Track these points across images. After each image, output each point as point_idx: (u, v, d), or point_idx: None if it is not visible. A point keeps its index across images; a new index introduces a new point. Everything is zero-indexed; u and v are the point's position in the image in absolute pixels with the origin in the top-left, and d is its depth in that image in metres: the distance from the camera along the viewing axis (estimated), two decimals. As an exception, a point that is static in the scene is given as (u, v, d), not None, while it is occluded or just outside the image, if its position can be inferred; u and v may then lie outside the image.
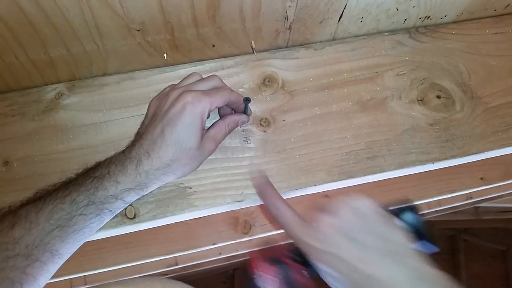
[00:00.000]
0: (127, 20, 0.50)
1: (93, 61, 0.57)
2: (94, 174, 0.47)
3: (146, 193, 0.49)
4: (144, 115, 0.55)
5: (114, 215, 0.48)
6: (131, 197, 0.48)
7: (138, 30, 0.53)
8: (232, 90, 0.55)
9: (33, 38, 0.50)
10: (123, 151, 0.49)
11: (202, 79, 0.54)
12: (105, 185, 0.46)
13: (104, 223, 0.48)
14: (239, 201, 0.56)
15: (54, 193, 0.46)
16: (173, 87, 0.53)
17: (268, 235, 0.91)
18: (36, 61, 0.54)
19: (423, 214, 1.24)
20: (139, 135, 0.50)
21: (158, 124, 0.48)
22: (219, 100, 0.51)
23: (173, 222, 0.57)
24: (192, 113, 0.48)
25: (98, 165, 0.48)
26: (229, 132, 0.56)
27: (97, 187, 0.46)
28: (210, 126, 0.54)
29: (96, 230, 0.48)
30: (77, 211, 0.45)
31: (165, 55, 0.59)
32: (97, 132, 0.58)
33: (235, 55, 0.63)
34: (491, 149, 0.61)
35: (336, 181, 0.58)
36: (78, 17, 0.48)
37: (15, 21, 0.47)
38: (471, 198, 1.09)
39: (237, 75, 0.62)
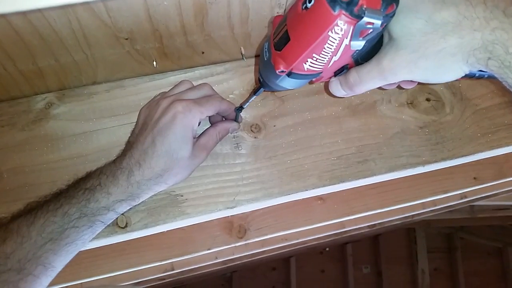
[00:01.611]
0: (115, 30, 0.50)
1: (82, 70, 0.57)
2: (85, 185, 0.47)
3: (138, 203, 0.49)
4: (135, 123, 0.55)
5: (106, 225, 0.48)
6: (123, 208, 0.48)
7: (126, 39, 0.53)
8: (222, 99, 0.55)
9: (21, 49, 0.50)
10: (114, 161, 0.49)
11: (192, 88, 0.54)
12: (96, 197, 0.46)
13: (96, 233, 0.48)
14: (231, 208, 0.56)
15: (45, 205, 0.46)
16: (163, 95, 0.53)
17: (263, 239, 0.91)
18: (25, 72, 0.54)
19: (418, 214, 1.24)
20: (130, 145, 0.50)
21: (148, 134, 0.48)
22: (209, 109, 0.51)
23: (165, 230, 0.57)
24: (183, 123, 0.48)
25: (89, 176, 0.48)
26: (220, 139, 0.56)
27: (89, 199, 0.46)
28: (201, 134, 0.54)
29: (88, 241, 0.48)
30: (69, 224, 0.45)
31: (154, 63, 0.59)
32: (87, 141, 0.58)
33: (225, 62, 0.63)
34: (481, 151, 0.61)
35: (328, 185, 0.58)
36: (66, 28, 0.48)
37: (2, 32, 0.47)
38: (465, 197, 1.09)
39: (227, 82, 0.62)
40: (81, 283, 0.85)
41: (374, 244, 3.04)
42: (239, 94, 0.61)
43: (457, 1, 0.36)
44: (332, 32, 0.37)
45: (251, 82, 0.62)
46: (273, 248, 1.09)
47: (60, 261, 0.47)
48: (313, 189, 0.58)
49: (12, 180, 0.56)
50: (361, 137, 0.60)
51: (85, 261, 0.81)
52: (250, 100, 0.55)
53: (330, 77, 0.48)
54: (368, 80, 0.43)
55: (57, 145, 0.57)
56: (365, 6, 0.35)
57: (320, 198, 0.90)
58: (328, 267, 3.04)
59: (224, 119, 0.58)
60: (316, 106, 0.61)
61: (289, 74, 0.44)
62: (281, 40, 0.42)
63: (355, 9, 0.35)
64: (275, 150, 0.59)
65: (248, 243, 0.90)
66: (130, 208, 0.50)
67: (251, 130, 0.60)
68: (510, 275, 2.91)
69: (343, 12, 0.35)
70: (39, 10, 0.44)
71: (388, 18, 0.37)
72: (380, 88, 0.46)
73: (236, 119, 0.57)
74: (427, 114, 0.62)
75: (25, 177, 0.56)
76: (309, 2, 0.37)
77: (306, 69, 0.43)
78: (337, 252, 3.04)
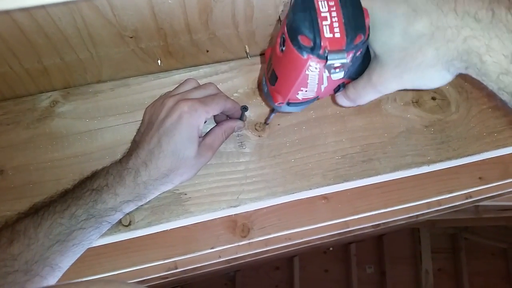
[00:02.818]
0: (120, 28, 0.50)
1: (87, 68, 0.57)
2: (92, 186, 0.47)
3: (144, 202, 0.50)
4: (139, 121, 0.55)
5: (112, 225, 0.49)
6: (130, 208, 0.48)
7: (131, 37, 0.53)
8: (227, 97, 0.55)
9: (26, 47, 0.50)
10: (120, 161, 0.49)
11: (197, 87, 0.54)
12: (103, 198, 0.46)
13: (102, 233, 0.49)
14: (235, 206, 0.56)
15: (52, 206, 0.46)
16: (168, 94, 0.53)
17: (267, 238, 0.91)
18: (30, 70, 0.54)
19: (423, 214, 1.23)
20: (136, 144, 0.50)
21: (154, 133, 0.48)
22: (215, 108, 0.51)
23: (169, 228, 0.57)
24: (189, 122, 0.48)
25: (96, 176, 0.48)
26: (226, 138, 0.56)
27: (96, 200, 0.46)
28: (207, 134, 0.54)
29: (95, 241, 0.49)
30: (77, 225, 0.45)
31: (159, 61, 0.59)
32: (92, 139, 0.58)
33: (229, 60, 0.63)
34: (487, 150, 0.61)
35: (332, 184, 0.58)
36: (71, 26, 0.48)
37: (7, 31, 0.47)
38: (470, 197, 1.08)
39: (232, 80, 0.62)
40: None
41: (378, 244, 3.03)
42: (243, 92, 0.61)
43: (429, 9, 0.36)
44: (309, 71, 0.39)
45: (255, 81, 0.62)
46: (276, 248, 1.09)
47: (67, 262, 0.47)
48: (317, 188, 0.58)
49: (16, 178, 0.56)
50: (366, 136, 0.60)
51: (88, 259, 0.80)
52: (270, 117, 0.56)
53: (331, 93, 0.49)
54: (365, 94, 0.45)
55: (62, 143, 0.58)
56: (328, 49, 0.36)
57: (324, 197, 0.89)
58: (332, 267, 3.04)
59: (228, 117, 0.58)
60: (320, 105, 0.61)
61: (288, 104, 0.47)
62: (272, 77, 0.45)
63: (320, 52, 0.37)
64: (279, 149, 0.59)
65: (252, 242, 0.89)
66: (136, 208, 0.50)
67: (255, 129, 0.60)
68: (515, 276, 2.90)
69: (311, 56, 0.37)
70: (44, 8, 0.44)
71: (360, 46, 0.38)
72: None
73: (241, 118, 0.57)
74: (433, 113, 0.62)
75: (29, 175, 0.56)
76: (283, 46, 0.39)
77: (301, 98, 0.45)
78: (341, 252, 3.03)
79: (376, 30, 0.40)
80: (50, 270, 0.45)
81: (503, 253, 2.99)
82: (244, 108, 0.56)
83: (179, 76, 0.61)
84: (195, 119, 0.48)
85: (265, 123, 0.59)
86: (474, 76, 0.36)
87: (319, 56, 0.37)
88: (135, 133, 0.57)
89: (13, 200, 0.55)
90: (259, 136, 0.59)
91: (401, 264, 2.99)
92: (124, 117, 0.59)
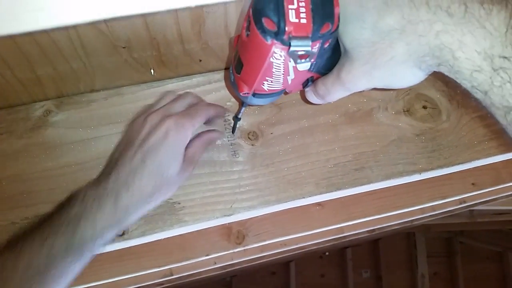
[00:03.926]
0: (113, 38, 0.51)
1: (80, 78, 0.57)
2: (69, 214, 0.43)
3: (126, 227, 0.47)
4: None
5: (94, 255, 0.46)
6: (111, 234, 0.45)
7: (124, 48, 0.53)
8: (209, 104, 0.54)
9: (19, 57, 0.50)
10: (98, 181, 0.46)
11: (177, 98, 0.52)
12: (82, 227, 0.43)
13: (86, 263, 0.45)
14: (228, 215, 0.56)
15: (31, 237, 0.43)
16: (149, 110, 0.51)
17: (262, 245, 0.91)
18: (23, 80, 0.55)
19: (417, 219, 1.24)
20: (114, 162, 0.47)
21: (137, 151, 0.46)
22: (200, 119, 0.50)
23: (162, 238, 0.57)
24: (176, 140, 0.46)
25: (73, 201, 0.45)
26: (204, 150, 0.55)
27: (75, 230, 0.42)
28: (187, 146, 0.51)
29: (78, 273, 0.45)
30: (57, 257, 0.42)
31: (152, 70, 0.59)
32: (85, 149, 0.58)
33: (222, 69, 0.63)
34: (478, 158, 0.62)
35: (324, 193, 0.58)
36: (64, 36, 0.48)
37: (0, 42, 0.47)
38: (464, 202, 1.09)
39: (225, 89, 0.62)
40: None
41: (374, 249, 3.04)
42: (235, 102, 0.61)
43: (400, 3, 0.34)
44: (273, 59, 0.38)
45: (248, 90, 0.62)
46: (272, 254, 1.09)
47: None
48: (310, 196, 0.58)
49: (10, 188, 0.56)
50: (358, 144, 0.60)
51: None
52: (241, 111, 0.55)
53: (298, 89, 0.48)
54: (334, 91, 0.43)
55: (55, 153, 0.58)
56: (292, 34, 0.35)
57: (318, 204, 0.90)
58: (328, 272, 3.03)
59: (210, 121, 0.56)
60: (313, 114, 0.62)
61: (254, 95, 0.45)
62: (238, 64, 0.43)
63: (284, 37, 0.36)
64: (272, 158, 0.59)
65: (247, 248, 0.90)
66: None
67: (248, 138, 0.60)
68: (510, 279, 2.91)
69: (274, 41, 0.36)
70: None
71: (327, 36, 0.37)
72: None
73: (233, 128, 0.58)
74: (424, 122, 0.62)
75: (23, 185, 0.56)
76: (248, 31, 0.38)
77: (267, 90, 0.44)
78: (337, 257, 3.03)
79: (347, 24, 0.38)
80: None
81: (498, 257, 3.01)
82: (237, 119, 0.56)
83: (172, 85, 0.62)
84: (183, 135, 0.47)
85: (236, 117, 0.57)
86: (446, 73, 0.35)
87: (283, 42, 0.36)
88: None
89: (6, 210, 0.55)
90: (252, 145, 0.59)
91: (397, 269, 3.00)
92: (117, 127, 0.59)
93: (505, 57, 0.30)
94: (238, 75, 0.44)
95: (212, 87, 0.62)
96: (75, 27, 0.47)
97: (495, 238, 2.88)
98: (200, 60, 0.60)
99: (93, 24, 0.47)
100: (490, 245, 2.95)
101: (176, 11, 0.48)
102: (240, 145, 0.59)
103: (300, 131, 0.61)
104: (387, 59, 0.37)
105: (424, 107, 0.63)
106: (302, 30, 0.35)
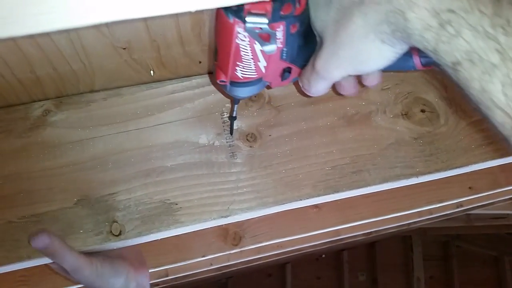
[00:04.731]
0: (113, 40, 0.51)
1: (80, 78, 0.57)
2: None
3: None
4: (131, 131, 0.55)
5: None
6: None
7: (124, 49, 0.53)
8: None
9: (19, 57, 0.50)
10: None
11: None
12: None
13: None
14: (225, 217, 0.57)
15: None
16: None
17: (258, 246, 0.91)
18: (23, 79, 0.55)
19: (414, 222, 1.24)
20: None
21: None
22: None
23: (159, 238, 0.57)
24: None
25: None
26: None
27: None
28: None
29: None
30: None
31: (151, 72, 0.59)
32: (84, 149, 0.58)
33: (222, 71, 0.63)
34: (475, 162, 0.62)
35: (322, 195, 0.58)
36: (64, 38, 0.49)
37: (1, 43, 0.47)
38: (461, 206, 1.09)
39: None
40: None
41: (370, 251, 3.04)
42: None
43: None
44: (239, 40, 0.39)
45: (247, 92, 0.62)
46: (268, 255, 1.09)
47: None
48: (307, 199, 0.58)
49: (8, 187, 0.56)
50: (356, 147, 0.61)
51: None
52: (235, 109, 0.55)
53: (279, 82, 0.48)
54: (314, 82, 0.43)
55: (54, 153, 0.58)
56: (249, 11, 0.36)
57: (315, 206, 0.90)
58: (324, 274, 3.03)
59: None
60: (311, 116, 0.62)
61: (231, 83, 0.46)
62: (215, 50, 0.44)
63: (243, 14, 0.36)
64: (270, 160, 0.59)
65: (243, 250, 0.90)
66: (124, 217, 0.49)
67: (247, 139, 0.60)
68: (506, 284, 2.91)
69: (236, 19, 0.37)
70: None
71: (291, 18, 0.37)
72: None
73: (231, 129, 0.58)
74: (422, 125, 0.63)
75: (21, 184, 0.56)
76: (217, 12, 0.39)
77: (242, 77, 0.44)
78: (333, 259, 3.03)
79: (318, 9, 0.39)
80: None
81: (495, 261, 3.01)
82: (233, 118, 0.56)
83: (172, 86, 0.62)
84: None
85: (231, 116, 0.57)
86: (402, 40, 0.35)
87: (242, 20, 0.36)
88: (127, 143, 0.57)
89: (4, 209, 0.55)
90: (251, 146, 0.60)
91: (393, 272, 3.00)
92: (116, 127, 0.59)
93: (451, 11, 0.30)
94: (216, 62, 0.44)
95: (211, 89, 0.62)
96: (76, 29, 0.47)
97: (491, 242, 2.89)
98: (200, 62, 0.60)
99: (94, 26, 0.47)
100: (486, 249, 2.96)
101: (176, 14, 0.48)
102: (238, 147, 0.60)
103: (298, 133, 0.61)
104: (349, 35, 0.37)
105: (422, 111, 0.63)
106: (260, 8, 0.36)
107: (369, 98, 0.64)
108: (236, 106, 0.54)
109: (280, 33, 0.38)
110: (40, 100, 0.60)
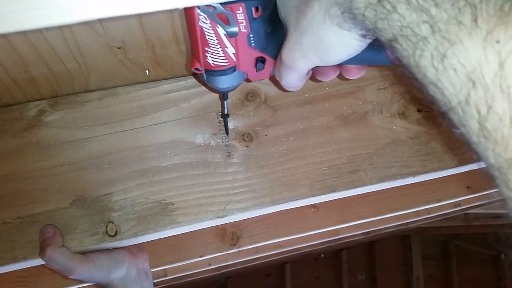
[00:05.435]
0: (108, 39, 0.50)
1: (75, 78, 0.57)
2: None
3: None
4: (127, 131, 0.54)
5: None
6: None
7: (119, 48, 0.53)
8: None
9: (13, 57, 0.50)
10: None
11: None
12: None
13: None
14: (222, 217, 0.56)
15: None
16: None
17: (256, 246, 0.91)
18: (17, 79, 0.54)
19: (412, 221, 1.23)
20: None
21: None
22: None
23: (155, 239, 0.57)
24: None
25: None
26: None
27: None
28: None
29: None
30: None
31: (147, 71, 0.59)
32: (79, 149, 0.58)
33: (218, 70, 0.63)
34: (472, 161, 0.61)
35: (318, 195, 0.58)
36: (58, 36, 0.48)
37: (-6, 41, 0.47)
38: (459, 205, 1.09)
39: (220, 90, 0.62)
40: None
41: (369, 251, 3.04)
42: (231, 103, 0.61)
43: None
44: (201, 23, 0.39)
45: (243, 91, 0.62)
46: (267, 255, 1.09)
47: None
48: (303, 198, 0.58)
49: (3, 187, 0.56)
50: (352, 147, 0.60)
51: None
52: (225, 106, 0.55)
53: (255, 74, 0.48)
54: (284, 74, 0.43)
55: (49, 153, 0.58)
56: None
57: (313, 206, 0.90)
58: (323, 274, 3.04)
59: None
60: (308, 116, 0.62)
61: (206, 72, 0.45)
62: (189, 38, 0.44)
63: None
64: (266, 160, 0.59)
65: (241, 250, 0.90)
66: (120, 217, 0.50)
67: (243, 139, 0.60)
68: (504, 283, 2.92)
69: None
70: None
71: (250, 2, 0.37)
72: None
73: (226, 128, 0.58)
74: (418, 125, 0.62)
75: (16, 184, 0.56)
76: None
77: (214, 65, 0.44)
78: (332, 259, 3.03)
79: None
80: None
81: (493, 260, 3.02)
82: (226, 116, 0.56)
83: (167, 86, 0.61)
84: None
85: (223, 113, 0.56)
86: (347, 22, 0.33)
87: None
88: (122, 143, 0.57)
89: (0, 209, 0.55)
90: (247, 146, 0.59)
91: (392, 271, 3.00)
92: (111, 127, 0.59)
93: None
94: (191, 50, 0.44)
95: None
96: (69, 27, 0.47)
97: (490, 242, 2.89)
98: (196, 61, 0.60)
99: (88, 24, 0.47)
100: (485, 249, 2.96)
101: (171, 11, 0.48)
102: (234, 147, 0.59)
103: (295, 133, 0.61)
104: (308, 22, 0.36)
105: (419, 110, 0.63)
106: None
107: (365, 98, 0.63)
108: (226, 102, 0.54)
109: (241, 15, 0.37)
110: (35, 100, 0.60)
